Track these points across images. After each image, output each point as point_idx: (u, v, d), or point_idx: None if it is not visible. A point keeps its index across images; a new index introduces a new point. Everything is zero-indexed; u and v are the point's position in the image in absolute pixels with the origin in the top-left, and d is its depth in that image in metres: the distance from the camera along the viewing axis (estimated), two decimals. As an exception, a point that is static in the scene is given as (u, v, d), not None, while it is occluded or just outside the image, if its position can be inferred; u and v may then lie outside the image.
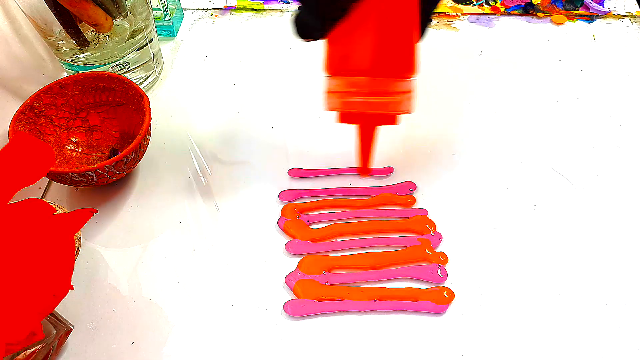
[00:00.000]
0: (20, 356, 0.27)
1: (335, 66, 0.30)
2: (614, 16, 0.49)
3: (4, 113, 0.37)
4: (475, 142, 0.40)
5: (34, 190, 0.37)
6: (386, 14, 0.28)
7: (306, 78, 0.44)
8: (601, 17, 0.49)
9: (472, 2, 0.51)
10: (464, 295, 0.32)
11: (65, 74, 0.43)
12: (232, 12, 0.51)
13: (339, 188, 0.37)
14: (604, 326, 0.31)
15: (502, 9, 0.50)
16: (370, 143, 0.34)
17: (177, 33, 0.48)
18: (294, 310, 0.31)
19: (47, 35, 0.38)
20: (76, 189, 0.38)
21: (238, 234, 0.35)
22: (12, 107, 0.36)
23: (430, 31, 0.48)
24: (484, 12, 0.50)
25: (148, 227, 0.35)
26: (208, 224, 0.35)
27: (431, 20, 0.30)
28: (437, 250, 0.34)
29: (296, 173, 0.38)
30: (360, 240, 0.34)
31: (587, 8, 0.50)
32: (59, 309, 0.31)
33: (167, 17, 0.47)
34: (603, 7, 0.50)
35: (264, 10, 0.51)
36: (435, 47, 0.47)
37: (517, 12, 0.50)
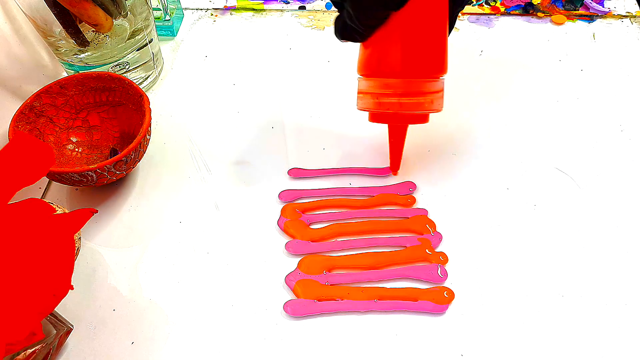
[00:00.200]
0: (20, 356, 0.27)
1: (369, 68, 0.31)
2: (614, 16, 0.49)
3: (4, 113, 0.37)
4: (475, 142, 0.40)
5: (34, 190, 0.37)
6: (418, 19, 0.29)
7: (306, 78, 0.44)
8: (601, 17, 0.49)
9: (472, 2, 0.51)
10: (464, 295, 0.32)
11: (65, 74, 0.43)
12: (232, 12, 0.51)
13: (339, 188, 0.37)
14: (604, 326, 0.31)
15: (502, 9, 0.50)
16: (401, 141, 0.35)
17: (177, 33, 0.48)
18: (294, 310, 0.31)
19: (47, 35, 0.38)
20: (76, 189, 0.38)
21: (238, 234, 0.35)
22: (12, 107, 0.36)
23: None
24: (484, 12, 0.50)
25: (148, 227, 0.35)
26: (208, 224, 0.35)
27: (455, 22, 0.31)
28: (437, 250, 0.34)
29: (296, 173, 0.38)
30: (360, 240, 0.34)
31: (587, 8, 0.50)
32: (59, 309, 0.31)
33: (167, 17, 0.47)
34: (603, 7, 0.50)
35: (264, 10, 0.51)
36: (435, 47, 0.47)
37: (517, 12, 0.50)
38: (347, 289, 0.32)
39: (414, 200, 0.36)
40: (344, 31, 0.30)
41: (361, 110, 0.33)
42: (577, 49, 0.46)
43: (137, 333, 0.31)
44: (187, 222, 0.36)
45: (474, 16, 0.50)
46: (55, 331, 0.29)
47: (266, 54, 0.47)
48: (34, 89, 0.36)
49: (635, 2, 0.50)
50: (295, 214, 0.35)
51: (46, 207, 0.24)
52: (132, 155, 0.34)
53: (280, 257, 0.34)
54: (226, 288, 0.32)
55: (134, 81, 0.39)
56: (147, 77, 0.43)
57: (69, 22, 0.36)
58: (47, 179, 0.38)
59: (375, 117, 0.34)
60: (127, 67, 0.41)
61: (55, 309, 0.27)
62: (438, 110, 0.33)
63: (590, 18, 0.49)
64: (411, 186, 0.37)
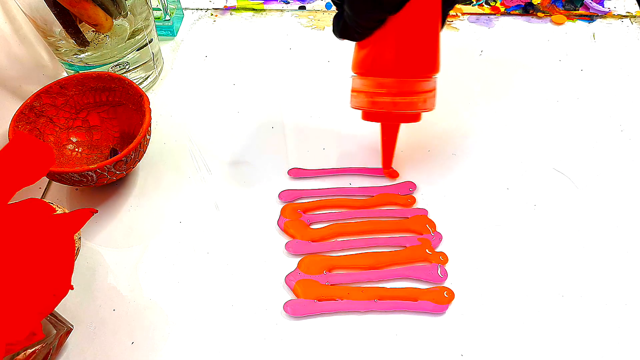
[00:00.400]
0: (20, 356, 0.27)
1: (363, 67, 0.32)
2: (614, 16, 0.49)
3: (4, 113, 0.37)
4: (475, 142, 0.40)
5: (34, 190, 0.37)
6: (412, 20, 0.29)
7: (306, 78, 0.44)
8: (601, 17, 0.49)
9: (472, 2, 0.51)
10: (464, 295, 0.32)
11: (65, 74, 0.43)
12: (232, 12, 0.51)
13: (339, 188, 0.37)
14: (604, 326, 0.31)
15: (502, 9, 0.50)
16: (393, 140, 0.36)
17: (177, 33, 0.48)
18: (294, 310, 0.31)
19: (47, 35, 0.38)
20: (76, 189, 0.38)
21: (238, 234, 0.35)
22: (12, 107, 0.36)
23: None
24: (484, 12, 0.50)
25: (148, 227, 0.35)
26: (208, 224, 0.35)
27: (445, 21, 0.32)
28: (437, 250, 0.34)
29: (296, 173, 0.38)
30: (360, 240, 0.34)
31: (587, 8, 0.50)
32: (59, 309, 0.31)
33: (167, 17, 0.47)
34: (603, 7, 0.50)
35: (264, 10, 0.51)
36: (435, 47, 0.47)
37: (517, 12, 0.50)
38: (347, 289, 0.32)
39: (414, 200, 0.36)
40: (343, 30, 0.30)
41: (354, 108, 0.33)
42: (577, 49, 0.46)
43: (137, 333, 0.31)
44: (187, 222, 0.36)
45: (474, 16, 0.50)
46: (55, 331, 0.29)
47: (266, 54, 0.47)
48: (34, 89, 0.36)
49: (635, 2, 0.50)
50: (295, 214, 0.35)
51: (46, 207, 0.24)
52: (132, 155, 0.34)
53: (280, 257, 0.34)
54: (226, 288, 0.32)
55: (134, 81, 0.39)
56: (147, 77, 0.43)
57: (69, 22, 0.36)
58: (47, 179, 0.38)
59: (368, 116, 0.34)
60: (127, 67, 0.41)
61: (55, 309, 0.27)
62: (430, 110, 0.33)
63: (590, 18, 0.49)
64: (411, 186, 0.37)
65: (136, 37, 0.40)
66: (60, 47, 0.39)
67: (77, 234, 0.31)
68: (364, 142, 0.40)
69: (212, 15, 0.50)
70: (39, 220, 0.23)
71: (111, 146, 0.39)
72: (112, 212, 0.36)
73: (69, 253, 0.23)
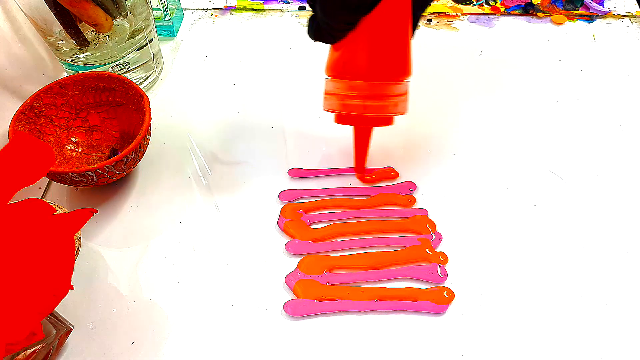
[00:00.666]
0: (20, 356, 0.27)
1: (336, 69, 0.31)
2: (614, 16, 0.49)
3: (4, 113, 0.37)
4: (475, 142, 0.40)
5: (34, 190, 0.37)
6: (382, 23, 0.29)
7: (306, 78, 0.44)
8: (601, 17, 0.49)
9: (472, 2, 0.51)
10: (464, 295, 0.32)
11: (65, 74, 0.43)
12: (232, 12, 0.51)
13: (339, 188, 0.37)
14: (604, 326, 0.31)
15: (502, 9, 0.50)
16: (366, 143, 0.35)
17: (177, 33, 0.48)
18: (294, 310, 0.31)
19: (47, 35, 0.38)
20: (76, 189, 0.38)
21: (238, 234, 0.35)
22: (12, 107, 0.36)
23: (430, 31, 0.48)
24: (484, 12, 0.50)
25: (148, 227, 0.35)
26: (208, 224, 0.35)
27: (418, 24, 0.31)
28: (437, 250, 0.34)
29: (296, 173, 0.38)
30: (360, 240, 0.34)
31: (587, 8, 0.50)
32: (59, 309, 0.31)
33: (167, 17, 0.47)
34: (603, 7, 0.50)
35: (264, 10, 0.51)
36: (435, 47, 0.47)
37: (517, 12, 0.50)
38: (347, 289, 0.32)
39: (414, 200, 0.36)
40: (317, 32, 0.30)
41: (327, 111, 0.33)
42: (577, 49, 0.46)
43: (137, 333, 0.31)
44: (187, 222, 0.36)
45: (474, 16, 0.50)
46: (55, 331, 0.29)
47: (266, 54, 0.47)
48: (34, 89, 0.36)
49: (635, 2, 0.50)
50: (295, 214, 0.35)
51: (46, 207, 0.24)
52: (132, 155, 0.34)
53: (280, 257, 0.34)
54: (226, 288, 0.32)
55: (134, 81, 0.39)
56: (147, 77, 0.43)
57: (69, 22, 0.36)
58: (47, 179, 0.38)
59: (340, 119, 0.34)
60: (127, 67, 0.41)
61: (55, 309, 0.27)
62: (402, 114, 0.33)
63: (590, 18, 0.49)
64: (411, 186, 0.37)
65: (136, 37, 0.40)
66: (60, 47, 0.39)
67: (77, 234, 0.31)
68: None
69: (212, 15, 0.50)
70: (39, 220, 0.23)
71: (111, 146, 0.39)
72: (112, 212, 0.36)
73: (69, 253, 0.23)
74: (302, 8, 0.51)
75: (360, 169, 0.37)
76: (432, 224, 0.35)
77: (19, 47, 0.41)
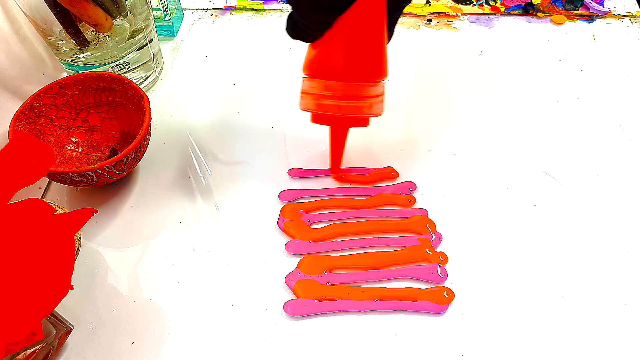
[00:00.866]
0: (20, 356, 0.27)
1: (312, 68, 0.31)
2: (614, 16, 0.49)
3: (4, 113, 0.37)
4: (475, 142, 0.40)
5: (34, 190, 0.37)
6: (356, 23, 0.29)
7: (306, 78, 0.44)
8: (601, 17, 0.49)
9: (472, 2, 0.51)
10: (464, 295, 0.32)
11: (65, 74, 0.43)
12: (232, 12, 0.51)
13: (339, 188, 0.37)
14: (604, 326, 0.31)
15: (502, 9, 0.50)
16: (342, 144, 0.36)
17: (177, 33, 0.48)
18: (294, 310, 0.31)
19: (47, 35, 0.38)
20: (76, 189, 0.38)
21: (238, 234, 0.35)
22: (12, 107, 0.36)
23: (430, 31, 0.48)
24: (484, 12, 0.50)
25: (148, 227, 0.35)
26: (208, 224, 0.35)
27: (395, 27, 0.31)
28: (437, 250, 0.34)
29: (296, 173, 0.38)
30: (360, 241, 0.34)
31: (587, 8, 0.50)
32: (59, 309, 0.31)
33: (167, 17, 0.47)
34: (603, 7, 0.50)
35: (264, 10, 0.51)
36: (435, 47, 0.47)
37: (517, 12, 0.50)
38: (347, 289, 0.32)
39: (414, 200, 0.36)
40: (294, 30, 0.30)
41: (302, 110, 0.33)
42: (577, 49, 0.46)
43: (137, 333, 0.31)
44: (187, 222, 0.36)
45: (474, 16, 0.50)
46: (55, 331, 0.29)
47: (266, 54, 0.47)
48: (34, 89, 0.36)
49: (635, 2, 0.50)
50: (295, 214, 0.35)
51: (46, 207, 0.24)
52: (132, 155, 0.34)
53: (280, 257, 0.34)
54: (226, 288, 0.32)
55: (134, 81, 0.39)
56: (147, 77, 0.43)
57: (69, 22, 0.36)
58: (47, 179, 0.38)
59: (316, 119, 0.34)
60: (127, 67, 0.41)
61: (55, 309, 0.27)
62: (377, 115, 0.32)
63: (590, 18, 0.49)
64: (411, 186, 0.37)
65: (136, 37, 0.40)
66: (60, 47, 0.39)
67: (77, 234, 0.31)
68: (364, 142, 0.40)
69: (212, 15, 0.50)
70: (39, 220, 0.23)
71: (111, 146, 0.39)
72: (112, 212, 0.36)
73: (69, 253, 0.23)
74: (302, 8, 0.51)
75: (335, 169, 0.37)
76: (432, 224, 0.35)
77: (19, 47, 0.41)
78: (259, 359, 0.30)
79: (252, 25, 0.49)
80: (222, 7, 0.51)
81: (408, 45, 0.47)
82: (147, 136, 0.35)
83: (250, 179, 0.38)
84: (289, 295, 0.32)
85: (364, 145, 0.39)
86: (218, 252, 0.34)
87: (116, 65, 0.40)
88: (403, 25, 0.49)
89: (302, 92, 0.32)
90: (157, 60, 0.43)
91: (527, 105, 0.42)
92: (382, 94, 0.32)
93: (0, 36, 0.39)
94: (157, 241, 0.35)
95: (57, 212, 0.31)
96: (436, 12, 0.50)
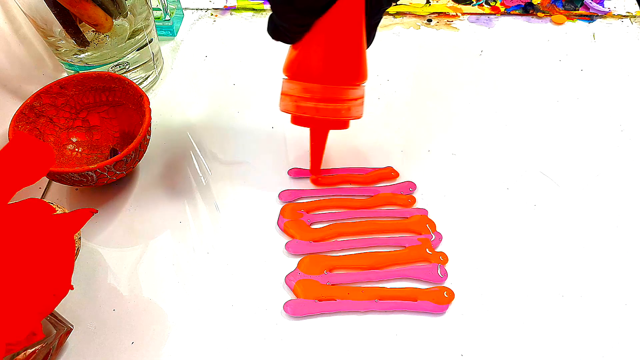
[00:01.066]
0: (20, 356, 0.27)
1: (291, 70, 0.31)
2: (614, 16, 0.49)
3: (4, 113, 0.37)
4: (475, 142, 0.40)
5: (34, 190, 0.37)
6: (334, 26, 0.29)
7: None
8: (601, 17, 0.49)
9: (472, 2, 0.51)
10: (464, 295, 0.32)
11: (65, 74, 0.43)
12: (232, 12, 0.51)
13: (339, 188, 0.37)
14: (604, 326, 0.31)
15: (502, 9, 0.50)
16: (321, 146, 0.36)
17: (177, 33, 0.48)
18: (294, 310, 0.31)
19: (47, 35, 0.38)
20: (76, 189, 0.38)
21: (238, 234, 0.35)
22: (12, 107, 0.36)
23: (430, 31, 0.48)
24: (484, 12, 0.50)
25: (148, 227, 0.35)
26: (208, 224, 0.35)
27: (375, 30, 0.31)
28: (437, 250, 0.34)
29: (296, 173, 0.38)
30: (360, 241, 0.34)
31: (587, 8, 0.50)
32: (59, 309, 0.31)
33: (167, 17, 0.47)
34: (603, 7, 0.50)
35: (264, 10, 0.51)
36: (435, 47, 0.47)
37: (517, 12, 0.50)
38: (347, 289, 0.32)
39: (414, 200, 0.36)
40: (275, 31, 0.30)
41: (282, 111, 0.33)
42: (577, 49, 0.46)
43: (137, 333, 0.31)
44: (187, 222, 0.36)
45: (474, 16, 0.50)
46: (55, 331, 0.29)
47: (266, 54, 0.47)
48: (34, 89, 0.36)
49: (635, 2, 0.50)
50: (295, 214, 0.35)
51: (46, 207, 0.24)
52: (132, 155, 0.34)
53: (280, 257, 0.34)
54: (226, 288, 0.32)
55: (134, 81, 0.39)
56: (147, 77, 0.43)
57: (69, 22, 0.36)
58: (47, 179, 0.38)
59: (296, 120, 0.34)
60: (127, 67, 0.41)
61: (55, 309, 0.27)
62: (356, 118, 0.32)
63: (590, 18, 0.49)
64: (411, 186, 0.37)
65: (136, 37, 0.40)
66: (60, 47, 0.39)
67: (77, 234, 0.31)
68: (363, 141, 0.40)
69: (212, 15, 0.50)
70: (39, 220, 0.23)
71: (111, 146, 0.39)
72: (112, 212, 0.36)
73: (69, 253, 0.23)
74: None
75: (315, 170, 0.37)
76: (432, 224, 0.35)
77: (19, 47, 0.41)
78: (259, 359, 0.30)
79: (252, 25, 0.49)
80: (222, 7, 0.51)
81: (408, 45, 0.47)
82: (147, 136, 0.35)
83: (250, 179, 0.38)
84: (289, 295, 0.32)
85: (364, 145, 0.39)
86: (218, 252, 0.34)
87: (116, 65, 0.40)
88: (403, 25, 0.49)
89: (282, 94, 0.33)
90: (157, 60, 0.43)
91: (527, 105, 0.42)
92: (361, 97, 0.32)
93: (0, 36, 0.39)
94: (157, 241, 0.35)
95: (57, 212, 0.31)
96: (436, 12, 0.50)
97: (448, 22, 0.49)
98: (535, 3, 0.50)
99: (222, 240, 0.35)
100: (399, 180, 0.38)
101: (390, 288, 0.32)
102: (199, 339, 0.31)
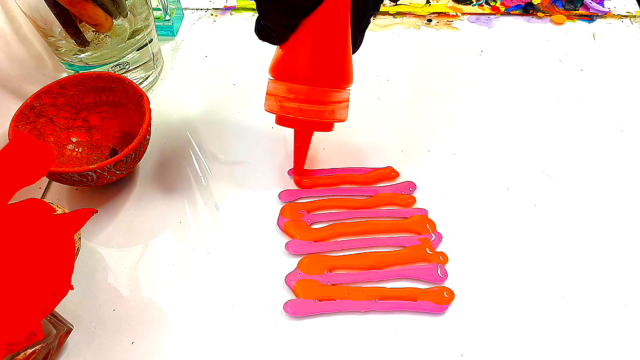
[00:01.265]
0: (20, 356, 0.27)
1: (278, 71, 0.32)
2: (614, 16, 0.49)
3: (4, 113, 0.37)
4: (475, 142, 0.40)
5: (34, 190, 0.37)
6: (320, 29, 0.29)
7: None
8: (601, 17, 0.49)
9: (472, 2, 0.51)
10: (464, 295, 0.32)
11: (65, 74, 0.43)
12: (232, 12, 0.51)
13: (339, 188, 0.37)
14: (604, 326, 0.31)
15: (502, 9, 0.50)
16: (305, 147, 0.36)
17: (177, 33, 0.48)
18: (294, 310, 0.31)
19: (47, 35, 0.38)
20: (76, 189, 0.38)
21: (238, 234, 0.35)
22: (12, 107, 0.36)
23: (430, 31, 0.48)
24: (484, 12, 0.50)
25: (148, 227, 0.35)
26: (208, 224, 0.35)
27: (363, 35, 0.31)
28: (437, 250, 0.34)
29: (296, 173, 0.38)
30: (360, 241, 0.34)
31: (587, 8, 0.50)
32: (59, 309, 0.31)
33: (167, 17, 0.47)
34: (603, 7, 0.50)
35: (264, 10, 0.51)
36: (435, 47, 0.47)
37: (517, 12, 0.50)
38: (347, 289, 0.32)
39: (414, 200, 0.36)
40: (261, 32, 0.30)
41: (266, 111, 0.33)
42: (577, 49, 0.46)
43: (137, 333, 0.31)
44: (187, 222, 0.36)
45: (474, 16, 0.50)
46: (55, 331, 0.29)
47: (266, 54, 0.47)
48: (34, 89, 0.36)
49: (636, 2, 0.50)
50: (295, 214, 0.35)
51: (46, 207, 0.24)
52: (132, 155, 0.34)
53: (280, 257, 0.34)
54: (226, 288, 0.32)
55: (134, 81, 0.39)
56: (147, 77, 0.43)
57: (69, 22, 0.36)
58: (47, 179, 0.38)
59: (281, 121, 0.34)
60: (127, 67, 0.41)
61: (55, 309, 0.27)
62: (341, 121, 0.33)
63: (590, 18, 0.49)
64: (411, 186, 0.37)
65: (136, 37, 0.40)
66: (60, 47, 0.39)
67: (77, 234, 0.31)
68: (364, 141, 0.40)
69: (212, 15, 0.50)
70: (39, 220, 0.23)
71: (111, 146, 0.39)
72: (112, 212, 0.36)
73: (69, 253, 0.23)
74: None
75: (298, 171, 0.37)
76: (432, 224, 0.35)
77: (19, 47, 0.41)
78: (259, 359, 0.30)
79: (252, 25, 0.49)
80: (222, 7, 0.51)
81: (408, 45, 0.47)
82: (147, 136, 0.35)
83: (250, 179, 0.38)
84: (289, 295, 0.32)
85: (364, 145, 0.39)
86: (218, 252, 0.34)
87: (116, 65, 0.40)
88: (403, 25, 0.49)
89: (267, 94, 0.33)
90: (157, 60, 0.43)
91: (527, 105, 0.42)
92: (346, 100, 0.32)
93: (0, 36, 0.39)
94: (157, 241, 0.35)
95: (57, 212, 0.31)
96: (436, 12, 0.50)
97: (448, 22, 0.49)
98: (535, 3, 0.50)
99: (222, 240, 0.35)
100: (399, 180, 0.38)
101: (390, 288, 0.32)
102: (199, 339, 0.31)
